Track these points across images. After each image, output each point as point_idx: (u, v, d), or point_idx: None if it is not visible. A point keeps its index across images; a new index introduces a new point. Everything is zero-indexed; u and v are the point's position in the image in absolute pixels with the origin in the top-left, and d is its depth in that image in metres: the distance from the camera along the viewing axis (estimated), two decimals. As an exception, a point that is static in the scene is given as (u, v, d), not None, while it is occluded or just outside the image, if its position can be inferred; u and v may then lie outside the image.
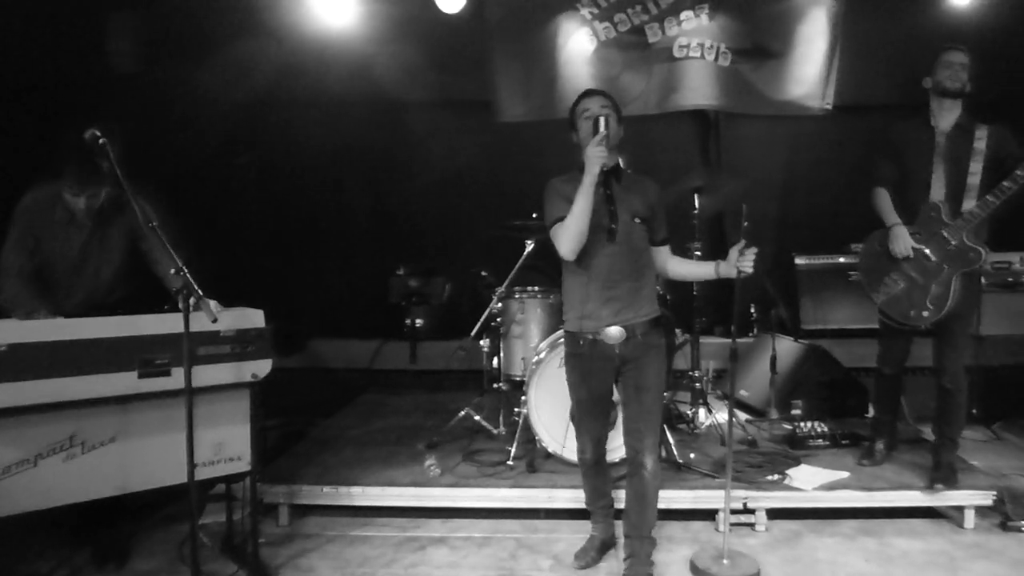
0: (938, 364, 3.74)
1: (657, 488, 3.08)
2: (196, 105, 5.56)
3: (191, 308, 2.67)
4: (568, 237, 2.89)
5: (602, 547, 3.38)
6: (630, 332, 3.01)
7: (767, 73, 5.36)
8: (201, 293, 2.63)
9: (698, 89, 5.37)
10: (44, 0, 4.94)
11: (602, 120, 2.86)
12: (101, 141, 2.67)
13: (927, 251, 3.63)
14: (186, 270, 2.62)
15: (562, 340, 3.91)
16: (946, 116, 3.70)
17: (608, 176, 3.01)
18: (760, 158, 6.29)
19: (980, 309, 5.39)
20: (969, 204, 3.56)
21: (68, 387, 2.71)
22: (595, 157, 2.82)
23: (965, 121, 3.67)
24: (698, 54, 5.34)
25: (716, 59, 5.35)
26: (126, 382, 2.82)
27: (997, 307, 5.61)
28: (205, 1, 5.35)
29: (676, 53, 5.36)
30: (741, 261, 2.98)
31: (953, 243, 3.57)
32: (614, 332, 2.99)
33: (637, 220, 3.03)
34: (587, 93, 3.10)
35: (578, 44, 5.40)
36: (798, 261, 6.03)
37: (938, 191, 3.64)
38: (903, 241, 3.66)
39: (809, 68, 5.34)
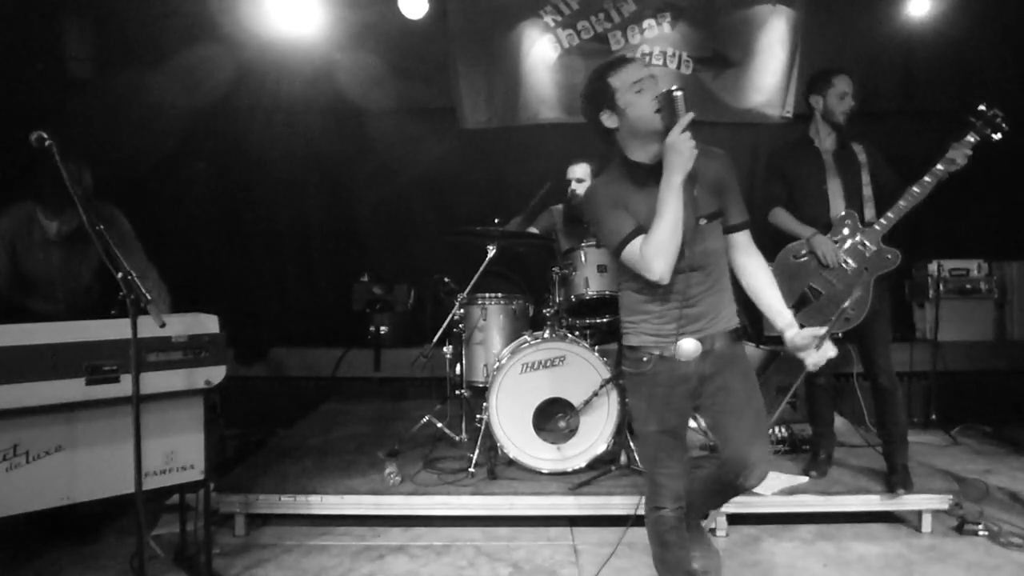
0: (871, 366, 3.80)
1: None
2: (151, 111, 5.48)
3: (138, 313, 2.61)
4: (664, 255, 2.30)
5: None
6: (707, 345, 2.45)
7: (728, 81, 5.43)
8: (149, 297, 2.57)
9: (660, 97, 5.41)
10: None
11: (679, 95, 2.26)
12: (47, 143, 2.62)
13: (847, 258, 3.71)
14: (133, 274, 2.56)
15: (527, 345, 3.93)
16: (827, 136, 3.86)
17: (658, 172, 2.35)
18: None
19: (938, 314, 5.50)
20: (870, 213, 3.72)
21: (11, 394, 2.62)
22: (685, 149, 2.23)
23: (842, 139, 3.84)
24: (660, 62, 5.39)
25: (678, 67, 5.40)
26: (73, 389, 2.74)
27: (955, 313, 5.73)
28: (159, 6, 5.28)
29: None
30: (818, 351, 2.40)
31: (872, 248, 3.67)
32: (688, 347, 2.40)
33: (704, 221, 2.42)
34: (623, 60, 2.43)
35: (541, 51, 5.43)
36: (760, 269, 6.07)
37: (838, 204, 3.76)
38: (828, 247, 3.72)
39: (769, 77, 5.42)
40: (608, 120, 2.43)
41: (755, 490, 3.69)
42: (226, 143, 6.03)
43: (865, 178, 3.76)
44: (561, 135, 5.67)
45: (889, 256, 3.67)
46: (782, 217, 3.88)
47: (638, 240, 2.36)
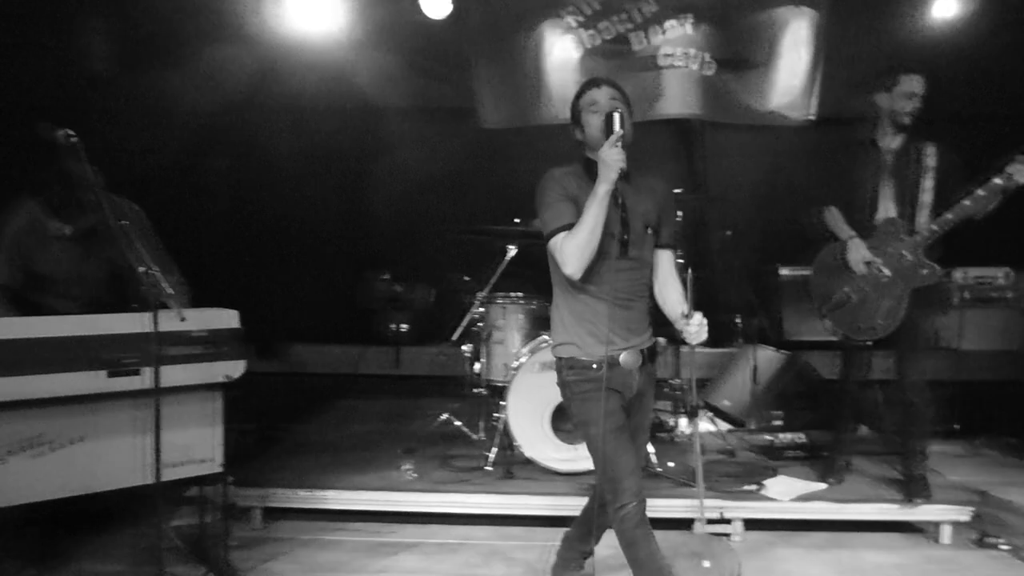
0: (900, 377, 3.71)
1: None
2: (172, 109, 5.52)
3: (159, 307, 2.65)
4: (578, 255, 2.47)
5: None
6: (643, 359, 2.65)
7: (750, 83, 5.39)
8: (170, 292, 2.61)
9: (681, 98, 5.38)
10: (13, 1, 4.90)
11: (617, 116, 2.46)
12: (72, 140, 2.66)
13: (882, 266, 3.61)
14: (155, 268, 2.60)
15: (544, 345, 3.94)
16: (893, 136, 3.70)
17: (620, 180, 2.50)
18: (744, 168, 6.33)
19: (962, 322, 5.43)
20: (923, 221, 3.56)
21: (37, 384, 2.68)
22: (613, 162, 2.40)
23: (912, 139, 3.66)
24: (682, 63, 5.35)
25: (700, 68, 5.36)
26: (95, 381, 2.80)
27: (979, 322, 5.66)
28: (181, 4, 5.33)
29: (660, 62, 5.37)
30: (688, 332, 2.55)
31: (909, 259, 3.56)
32: (630, 358, 2.61)
33: (649, 231, 2.65)
34: (593, 83, 2.67)
35: (563, 51, 5.41)
36: (782, 271, 6.05)
37: (889, 208, 3.64)
38: (860, 252, 3.63)
39: (792, 78, 5.36)
40: (577, 134, 2.70)
41: (770, 495, 3.72)
42: (246, 141, 6.09)
43: (927, 182, 3.56)
44: (582, 136, 5.67)
45: (925, 271, 3.54)
46: (830, 217, 3.76)
47: (564, 235, 2.53)
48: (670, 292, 2.76)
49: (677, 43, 5.33)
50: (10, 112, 4.77)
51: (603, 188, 2.44)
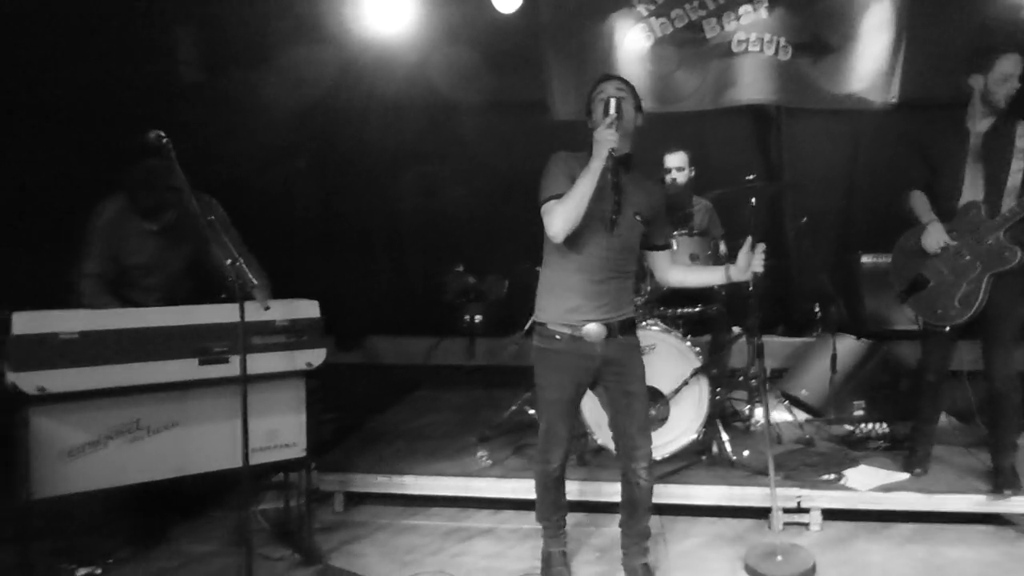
0: (988, 367, 3.58)
1: (651, 495, 3.02)
2: (256, 111, 5.72)
3: (245, 298, 2.77)
4: (563, 218, 2.69)
5: (565, 558, 3.20)
6: (611, 331, 2.85)
7: (828, 67, 5.26)
8: (255, 283, 2.72)
9: (756, 84, 5.30)
10: (113, 13, 5.15)
11: (613, 102, 2.71)
12: (164, 140, 2.79)
13: (962, 249, 3.50)
14: (241, 261, 2.72)
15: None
16: (983, 118, 3.57)
17: (618, 164, 2.77)
18: (823, 154, 6.17)
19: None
20: (1009, 203, 3.43)
21: (134, 372, 2.85)
22: (604, 140, 2.66)
23: (1002, 119, 3.52)
24: (757, 48, 5.27)
25: (775, 53, 5.27)
26: (187, 369, 2.96)
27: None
28: (262, 9, 5.51)
29: (734, 48, 5.30)
30: (754, 262, 2.87)
31: (989, 242, 3.44)
32: (594, 330, 2.82)
33: (638, 218, 2.88)
34: (604, 77, 2.95)
35: (633, 41, 5.39)
36: (864, 259, 5.88)
37: (974, 192, 3.52)
38: (937, 236, 3.53)
39: (871, 62, 5.21)
40: (589, 123, 2.89)
41: (850, 486, 3.64)
42: (325, 140, 6.28)
43: (1016, 164, 3.44)
44: (655, 125, 5.60)
45: (1007, 253, 3.42)
46: (915, 201, 3.66)
47: (555, 201, 2.74)
48: (682, 273, 3.15)
49: (751, 28, 5.25)
50: (107, 116, 5.09)
51: (595, 163, 2.68)
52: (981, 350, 3.63)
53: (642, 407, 2.98)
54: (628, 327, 2.96)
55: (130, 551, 3.38)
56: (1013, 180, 3.45)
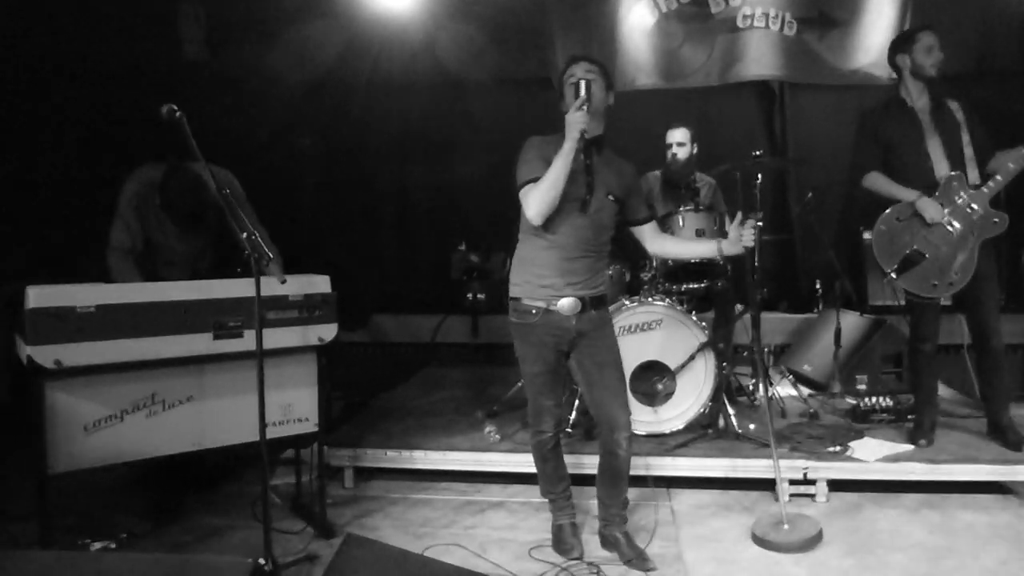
0: (983, 328, 3.73)
1: (629, 464, 3.08)
2: (261, 89, 5.70)
3: (261, 271, 2.77)
4: (540, 200, 2.77)
5: (576, 530, 3.24)
6: (584, 305, 2.93)
7: (833, 42, 5.27)
8: (271, 256, 2.73)
9: (761, 59, 5.30)
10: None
11: (583, 84, 2.77)
12: (178, 115, 2.78)
13: (953, 220, 3.62)
14: (257, 234, 2.72)
15: (625, 309, 3.98)
16: (920, 95, 3.75)
17: (590, 146, 2.87)
18: (827, 130, 6.13)
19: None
20: (973, 174, 3.64)
21: (150, 346, 2.86)
22: (575, 123, 2.73)
23: (936, 97, 3.74)
24: (762, 23, 5.27)
25: (781, 28, 5.27)
26: (202, 343, 2.97)
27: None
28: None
29: (739, 23, 5.29)
30: (743, 235, 2.96)
31: (979, 211, 3.58)
32: (568, 303, 2.90)
33: (611, 198, 2.96)
34: (574, 59, 2.99)
35: (638, 17, 5.38)
36: (866, 235, 5.89)
37: (942, 165, 3.67)
38: (936, 208, 3.62)
39: (877, 36, 5.22)
40: (562, 105, 2.92)
41: (857, 456, 3.68)
42: (330, 117, 6.24)
43: (965, 137, 3.68)
44: (659, 101, 5.63)
45: (996, 220, 3.60)
46: (879, 182, 3.78)
47: (532, 185, 2.82)
48: (669, 244, 3.28)
49: (757, 3, 5.24)
50: (109, 95, 5.07)
51: (568, 146, 2.75)
52: (968, 316, 3.83)
53: (617, 378, 3.05)
54: (600, 302, 3.03)
55: (145, 526, 3.40)
56: (968, 151, 3.67)
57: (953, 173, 3.64)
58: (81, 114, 5.07)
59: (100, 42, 5.11)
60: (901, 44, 3.80)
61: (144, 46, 5.46)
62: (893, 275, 3.71)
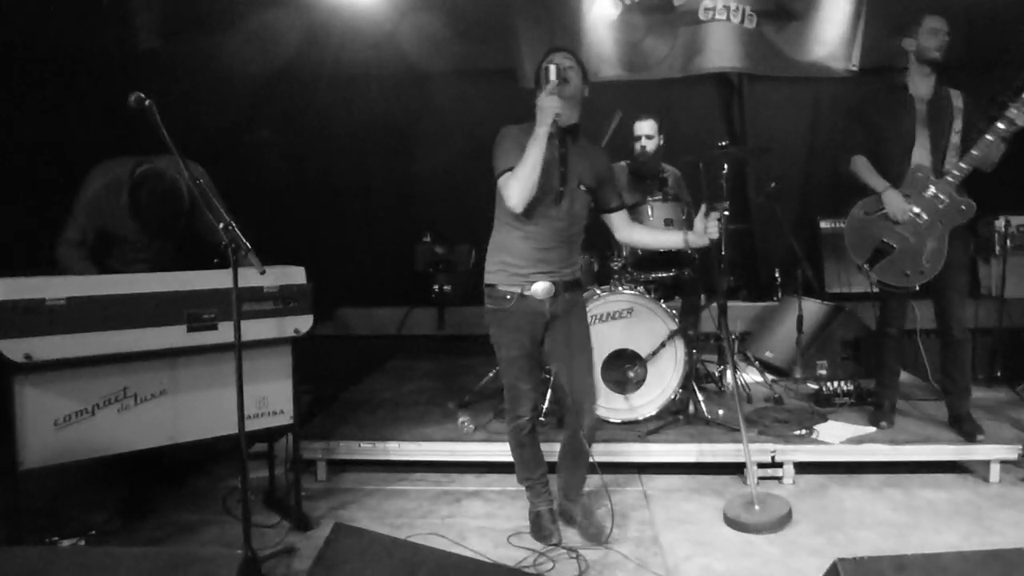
0: (947, 317, 3.80)
1: (589, 445, 3.12)
2: (218, 78, 5.57)
3: (238, 262, 2.74)
4: (519, 187, 2.80)
5: (554, 516, 3.24)
6: (557, 289, 2.97)
7: (791, 34, 5.38)
8: (249, 247, 2.69)
9: (722, 51, 5.39)
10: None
11: (553, 68, 2.81)
12: (147, 103, 2.72)
13: (921, 212, 3.69)
14: (233, 225, 2.68)
15: (596, 297, 4.01)
16: (925, 82, 3.78)
17: (565, 135, 2.93)
18: (783, 121, 6.30)
19: (1004, 270, 5.42)
20: (952, 162, 3.67)
21: (122, 339, 2.81)
22: (548, 107, 2.75)
23: (941, 86, 3.77)
24: (724, 16, 5.35)
25: (741, 21, 5.35)
26: (175, 336, 2.92)
27: (1022, 269, 5.63)
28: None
29: (701, 16, 5.37)
30: (708, 227, 3.01)
31: (945, 200, 3.65)
32: (542, 287, 2.94)
33: (583, 188, 3.01)
34: (551, 50, 3.02)
35: (602, 8, 5.41)
36: (823, 224, 6.06)
37: (922, 155, 3.73)
38: (900, 203, 3.70)
39: (833, 28, 5.34)
40: (537, 95, 2.90)
41: (822, 439, 3.78)
42: (291, 108, 6.15)
43: (957, 125, 3.70)
44: (623, 92, 5.67)
45: (964, 207, 3.66)
46: (861, 167, 3.84)
47: (510, 173, 2.84)
48: (639, 233, 3.29)
49: (718, -4, 5.33)
50: (62, 84, 4.91)
51: (541, 130, 2.76)
52: (934, 303, 3.87)
53: (585, 360, 3.11)
54: (573, 286, 3.09)
55: (115, 522, 3.34)
56: (954, 139, 3.70)
57: (918, 164, 3.70)
58: (29, 104, 4.91)
59: (49, 29, 4.95)
60: (906, 27, 3.79)
61: (95, 34, 5.30)
62: (866, 267, 3.79)
